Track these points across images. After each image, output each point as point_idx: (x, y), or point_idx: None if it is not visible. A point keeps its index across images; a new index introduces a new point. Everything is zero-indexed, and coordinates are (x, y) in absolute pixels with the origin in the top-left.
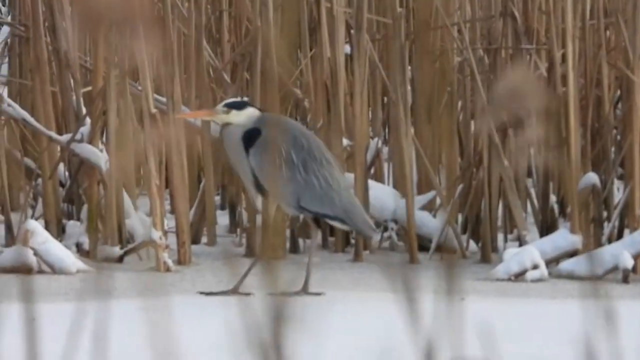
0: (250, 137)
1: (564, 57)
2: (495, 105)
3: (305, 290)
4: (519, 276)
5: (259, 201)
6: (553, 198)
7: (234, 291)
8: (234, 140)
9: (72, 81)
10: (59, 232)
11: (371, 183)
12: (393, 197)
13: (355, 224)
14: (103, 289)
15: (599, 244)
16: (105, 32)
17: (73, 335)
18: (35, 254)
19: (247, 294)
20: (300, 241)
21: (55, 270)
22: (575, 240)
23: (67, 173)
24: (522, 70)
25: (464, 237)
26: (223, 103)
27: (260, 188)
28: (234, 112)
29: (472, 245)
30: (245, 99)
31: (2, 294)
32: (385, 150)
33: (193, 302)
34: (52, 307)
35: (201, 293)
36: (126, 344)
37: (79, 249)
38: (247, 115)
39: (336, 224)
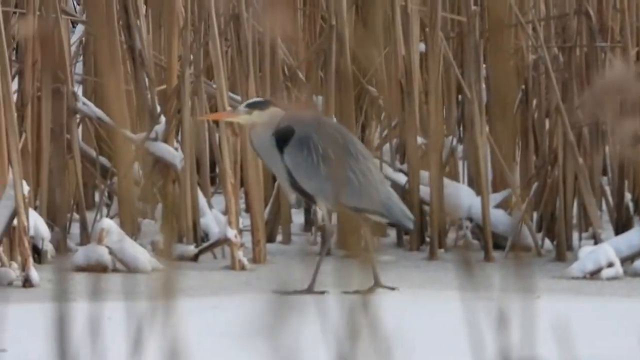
0: (284, 136)
1: (638, 55)
2: (591, 101)
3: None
4: (594, 274)
5: (292, 198)
6: (628, 196)
7: (309, 290)
8: (264, 140)
9: (146, 79)
10: (134, 231)
11: (446, 181)
12: (468, 195)
13: (394, 217)
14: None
15: None
16: (179, 30)
17: (145, 333)
18: (110, 252)
19: (322, 292)
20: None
21: (130, 268)
22: None
23: (141, 172)
24: (621, 67)
25: (539, 235)
26: (244, 104)
27: (296, 187)
28: (256, 112)
29: (547, 243)
30: (266, 98)
31: (77, 293)
32: (460, 148)
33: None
34: (127, 306)
35: (276, 292)
36: (201, 342)
37: (154, 247)
38: (270, 115)
39: (375, 218)
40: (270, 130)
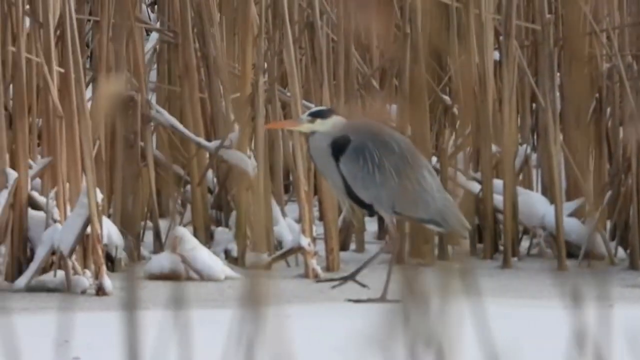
0: (340, 145)
1: None
2: None
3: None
4: None
5: (346, 208)
6: None
7: (382, 299)
8: (321, 149)
9: (220, 87)
10: (208, 239)
11: (520, 189)
12: (542, 203)
13: (450, 226)
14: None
15: None
16: (254, 38)
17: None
18: (184, 260)
19: (396, 301)
20: (449, 248)
21: (203, 277)
22: None
23: (215, 179)
24: None
25: (613, 244)
26: (307, 113)
27: (352, 196)
28: (319, 121)
29: (621, 252)
30: (329, 107)
31: (151, 301)
32: (534, 156)
33: (341, 310)
34: (200, 314)
35: (349, 300)
36: (276, 351)
37: (227, 255)
38: (332, 124)
39: (431, 227)
40: (329, 138)
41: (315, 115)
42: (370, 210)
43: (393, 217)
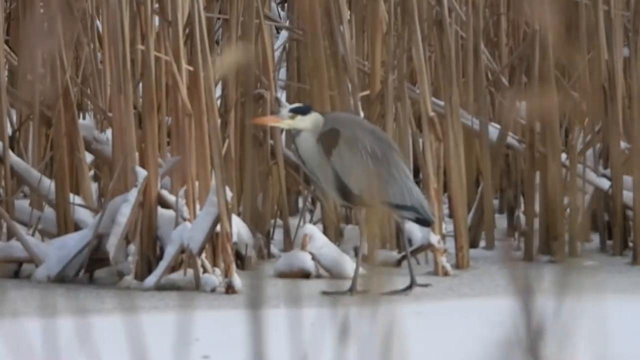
0: (330, 138)
1: None
2: None
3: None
4: None
5: (333, 203)
6: None
7: (351, 290)
8: (309, 145)
9: (349, 85)
10: (337, 236)
11: None
12: None
13: (426, 213)
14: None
15: None
16: (383, 35)
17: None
18: (313, 258)
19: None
20: (579, 245)
21: (332, 274)
22: None
23: None
24: None
25: None
26: (288, 108)
27: (343, 190)
28: (299, 117)
29: None
30: (307, 104)
31: (280, 299)
32: None
33: (471, 307)
34: (328, 312)
35: (323, 293)
36: (390, 348)
37: (357, 253)
38: (312, 120)
39: (407, 214)
40: (314, 136)
41: (296, 112)
42: (352, 204)
43: (376, 207)
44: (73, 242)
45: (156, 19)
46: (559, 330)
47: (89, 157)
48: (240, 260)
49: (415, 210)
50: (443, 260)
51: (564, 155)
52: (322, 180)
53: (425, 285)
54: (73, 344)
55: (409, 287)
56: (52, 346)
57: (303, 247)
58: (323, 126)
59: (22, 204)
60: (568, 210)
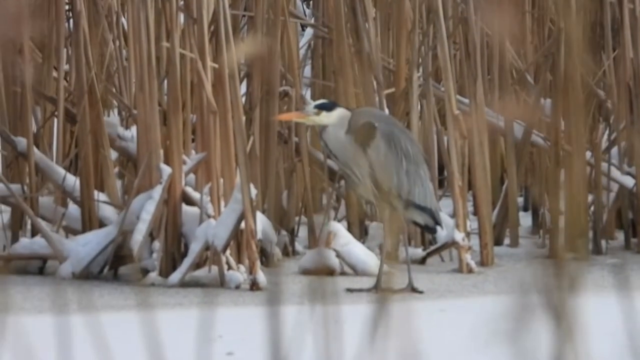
0: (365, 131)
1: None
2: None
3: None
4: None
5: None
6: None
7: (377, 288)
8: (339, 139)
9: (374, 82)
10: (362, 234)
11: None
12: None
13: (439, 218)
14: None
15: None
16: (408, 33)
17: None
18: (338, 255)
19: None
20: (603, 242)
21: (357, 271)
22: None
23: None
24: None
25: None
26: (313, 105)
27: (374, 184)
28: (324, 113)
29: None
30: (332, 100)
31: (303, 296)
32: None
33: (495, 304)
34: (353, 309)
35: (347, 290)
36: (430, 345)
37: (381, 250)
38: (337, 116)
39: (421, 217)
40: (342, 130)
41: (321, 108)
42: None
43: (399, 206)
44: (97, 239)
45: (181, 16)
46: (582, 327)
47: (113, 154)
48: (265, 257)
49: (431, 214)
50: (467, 257)
51: (588, 153)
52: (358, 172)
53: (420, 292)
54: (91, 340)
55: (405, 288)
56: (69, 343)
57: (327, 245)
58: (351, 120)
59: (47, 201)
60: (592, 208)
